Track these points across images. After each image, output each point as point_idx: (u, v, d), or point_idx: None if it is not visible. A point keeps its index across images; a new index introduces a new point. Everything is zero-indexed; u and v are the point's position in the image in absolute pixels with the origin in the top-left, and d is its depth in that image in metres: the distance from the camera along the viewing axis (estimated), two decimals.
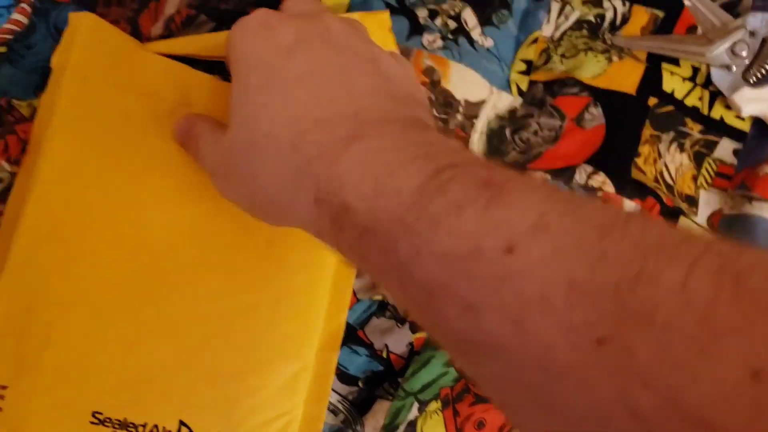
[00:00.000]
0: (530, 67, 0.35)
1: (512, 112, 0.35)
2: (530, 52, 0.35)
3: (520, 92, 0.35)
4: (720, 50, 0.34)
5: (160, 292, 0.27)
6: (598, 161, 0.35)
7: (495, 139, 0.34)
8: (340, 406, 0.31)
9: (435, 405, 0.31)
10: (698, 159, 0.36)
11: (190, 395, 0.27)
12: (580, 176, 0.34)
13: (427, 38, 0.34)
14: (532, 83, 0.35)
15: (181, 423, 0.27)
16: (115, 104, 0.28)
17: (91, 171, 0.27)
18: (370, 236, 0.17)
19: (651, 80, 0.36)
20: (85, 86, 0.27)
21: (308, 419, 0.29)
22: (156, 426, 0.26)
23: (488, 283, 0.14)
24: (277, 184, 0.20)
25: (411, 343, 0.32)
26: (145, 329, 0.27)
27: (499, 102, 0.34)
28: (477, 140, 0.34)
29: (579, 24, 0.36)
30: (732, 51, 0.34)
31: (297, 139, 0.20)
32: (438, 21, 0.34)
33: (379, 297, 0.32)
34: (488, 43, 0.35)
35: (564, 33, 0.36)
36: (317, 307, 0.29)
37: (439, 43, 0.34)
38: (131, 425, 0.26)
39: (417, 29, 0.34)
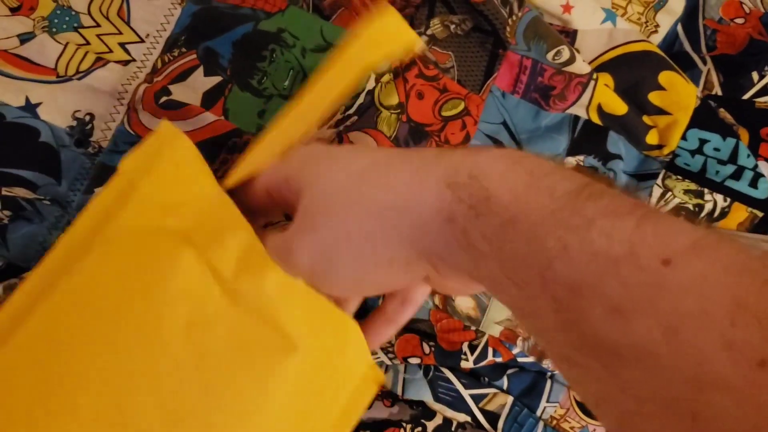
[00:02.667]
0: None
1: None
2: None
3: None
4: None
5: None
6: None
7: None
8: None
9: None
10: None
11: None
12: None
13: None
14: None
15: None
16: (157, 232, 0.25)
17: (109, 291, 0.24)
18: (512, 226, 0.16)
19: None
20: (149, 206, 0.25)
21: None
22: None
23: (642, 289, 0.14)
24: (395, 185, 0.20)
25: None
26: None
27: None
28: None
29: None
30: None
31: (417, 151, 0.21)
32: None
33: None
34: None
35: None
36: None
37: None
38: None
39: None
